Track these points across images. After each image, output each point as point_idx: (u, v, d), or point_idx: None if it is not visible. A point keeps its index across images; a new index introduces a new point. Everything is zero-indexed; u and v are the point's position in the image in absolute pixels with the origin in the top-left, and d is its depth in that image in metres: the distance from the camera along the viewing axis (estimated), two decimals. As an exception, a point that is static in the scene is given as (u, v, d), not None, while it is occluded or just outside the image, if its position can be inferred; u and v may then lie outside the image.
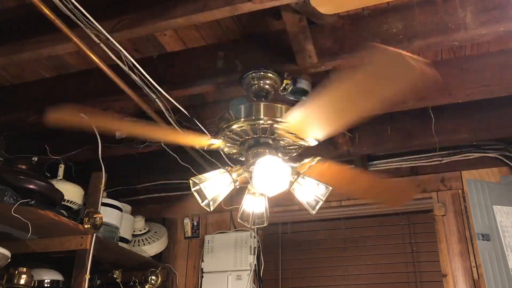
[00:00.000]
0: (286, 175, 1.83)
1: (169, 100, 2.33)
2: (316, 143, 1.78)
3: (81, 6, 1.78)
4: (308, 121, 1.62)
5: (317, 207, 1.99)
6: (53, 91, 2.57)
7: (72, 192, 2.74)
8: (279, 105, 1.91)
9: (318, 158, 1.92)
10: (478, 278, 2.76)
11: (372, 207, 3.14)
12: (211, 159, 2.91)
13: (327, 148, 2.86)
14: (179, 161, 2.93)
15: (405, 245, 2.99)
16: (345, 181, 2.05)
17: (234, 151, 2.03)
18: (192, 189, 1.85)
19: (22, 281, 2.18)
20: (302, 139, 1.77)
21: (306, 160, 1.94)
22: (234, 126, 1.91)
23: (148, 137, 1.82)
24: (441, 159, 3.09)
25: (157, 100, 2.33)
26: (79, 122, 1.55)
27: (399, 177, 3.18)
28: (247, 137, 1.96)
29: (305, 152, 2.08)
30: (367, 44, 1.14)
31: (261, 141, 1.96)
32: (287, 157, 2.06)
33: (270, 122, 1.87)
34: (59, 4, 1.75)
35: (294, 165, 1.95)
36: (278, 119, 1.84)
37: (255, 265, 3.16)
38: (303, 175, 1.98)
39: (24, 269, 2.22)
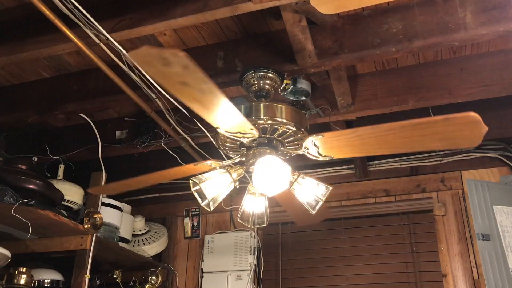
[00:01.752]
0: (286, 175, 1.83)
1: (169, 100, 2.33)
2: (328, 159, 1.79)
3: (81, 6, 1.78)
4: (342, 143, 1.62)
5: (317, 207, 1.98)
6: (53, 91, 2.57)
7: (72, 192, 2.74)
8: (279, 105, 1.90)
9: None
10: (478, 278, 2.76)
11: (372, 207, 3.14)
12: (211, 159, 2.91)
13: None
14: (179, 161, 2.93)
15: (405, 245, 2.99)
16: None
17: (233, 156, 2.04)
18: (192, 189, 1.85)
19: (22, 281, 2.19)
20: (320, 155, 1.77)
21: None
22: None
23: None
24: (441, 159, 3.09)
25: (157, 100, 2.33)
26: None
27: (399, 177, 3.18)
28: (247, 137, 1.96)
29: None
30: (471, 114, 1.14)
31: (261, 141, 1.96)
32: (287, 157, 2.06)
33: (270, 122, 1.87)
34: (59, 4, 1.75)
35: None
36: (254, 119, 1.84)
37: (255, 265, 3.16)
38: (303, 175, 1.98)
39: (24, 269, 2.22)
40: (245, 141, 1.80)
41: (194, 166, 1.88)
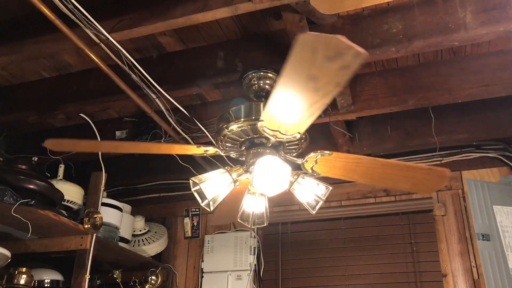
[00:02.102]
0: (286, 175, 1.83)
1: (169, 100, 2.33)
2: (299, 135, 1.73)
3: (81, 6, 1.78)
4: (280, 116, 1.59)
5: (317, 207, 1.98)
6: (53, 91, 2.57)
7: (72, 192, 2.74)
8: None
9: (323, 151, 1.88)
10: (478, 278, 2.76)
11: (372, 207, 3.14)
12: (211, 159, 2.91)
13: (327, 148, 2.85)
14: (179, 161, 2.93)
15: (405, 245, 2.99)
16: (361, 170, 1.93)
17: (232, 152, 2.03)
18: (192, 189, 1.85)
19: (22, 281, 2.19)
20: (286, 134, 1.72)
21: (311, 155, 1.90)
22: (234, 126, 1.91)
23: (141, 152, 1.80)
24: (441, 159, 3.09)
25: (157, 100, 2.33)
26: (75, 150, 1.55)
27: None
28: (247, 137, 1.96)
29: (305, 152, 2.08)
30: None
31: (261, 141, 1.96)
32: (289, 157, 2.05)
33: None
34: (59, 4, 1.75)
35: (299, 161, 1.93)
36: (254, 119, 1.83)
37: (255, 265, 3.16)
38: (303, 175, 1.98)
39: (24, 269, 2.22)
40: (274, 139, 1.77)
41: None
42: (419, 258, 2.93)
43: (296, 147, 2.00)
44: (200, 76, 2.29)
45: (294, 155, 2.08)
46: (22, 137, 3.09)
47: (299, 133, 1.64)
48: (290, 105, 1.40)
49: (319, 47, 1.11)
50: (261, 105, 1.90)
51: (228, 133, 1.93)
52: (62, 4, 1.75)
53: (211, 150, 1.90)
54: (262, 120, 1.60)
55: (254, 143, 1.97)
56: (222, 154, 1.98)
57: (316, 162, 1.90)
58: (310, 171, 1.94)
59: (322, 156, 1.86)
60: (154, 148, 1.73)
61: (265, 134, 1.66)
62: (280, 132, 1.65)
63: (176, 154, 2.89)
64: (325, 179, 2.03)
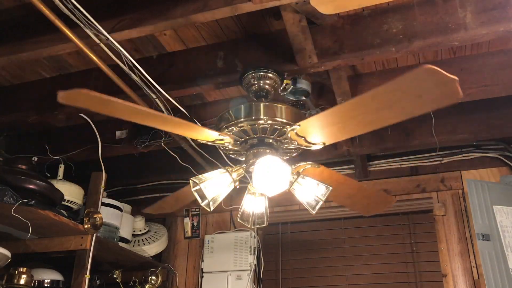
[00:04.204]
0: (286, 175, 1.83)
1: (169, 100, 2.33)
2: (321, 147, 1.79)
3: (81, 6, 1.78)
4: (321, 127, 1.63)
5: (317, 207, 1.98)
6: (53, 91, 2.56)
7: (72, 192, 2.74)
8: (279, 105, 1.90)
9: (311, 163, 1.94)
10: (478, 278, 2.76)
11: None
12: (211, 159, 2.91)
13: (328, 148, 2.85)
14: (179, 161, 2.93)
15: (405, 245, 2.99)
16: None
17: (236, 148, 2.03)
18: (192, 189, 1.85)
19: (22, 281, 2.19)
20: (310, 143, 1.77)
21: (300, 164, 1.95)
22: (234, 126, 1.91)
23: (156, 126, 1.76)
24: (441, 159, 3.09)
25: (157, 100, 2.33)
26: (89, 105, 1.50)
27: (399, 177, 3.18)
28: (247, 137, 1.96)
29: (306, 152, 2.08)
30: (421, 65, 1.14)
31: (261, 141, 1.96)
32: (287, 158, 2.06)
33: (270, 122, 1.87)
34: (59, 4, 1.75)
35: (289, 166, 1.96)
36: (286, 121, 1.85)
37: (255, 265, 3.16)
38: (303, 175, 1.98)
39: (24, 269, 2.22)
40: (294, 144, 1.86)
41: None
42: (419, 258, 2.93)
43: (295, 149, 2.01)
44: (200, 76, 2.29)
45: (293, 155, 2.08)
46: (22, 137, 3.09)
47: (324, 143, 1.68)
48: (342, 121, 1.46)
49: (430, 80, 1.18)
50: (261, 105, 1.90)
51: (228, 133, 1.93)
52: (62, 4, 1.75)
53: (226, 139, 1.90)
54: (298, 125, 1.68)
55: (254, 143, 1.97)
56: (230, 147, 1.99)
57: (302, 171, 1.97)
58: (312, 145, 1.92)
59: (311, 167, 1.91)
60: (175, 126, 1.70)
61: (288, 135, 1.70)
62: (305, 139, 1.70)
63: (176, 154, 2.89)
64: (325, 179, 2.03)
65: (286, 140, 1.92)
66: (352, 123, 1.55)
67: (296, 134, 1.75)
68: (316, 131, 1.68)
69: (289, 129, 1.75)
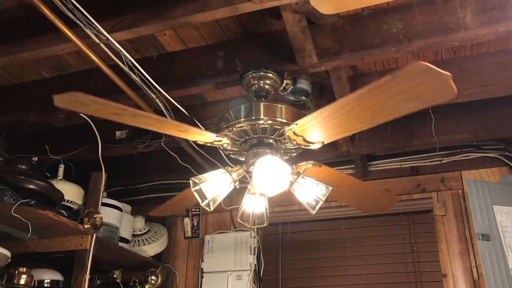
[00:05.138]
0: (286, 175, 1.83)
1: (169, 100, 2.33)
2: (320, 146, 1.78)
3: (81, 6, 1.78)
4: (318, 125, 1.63)
5: (317, 207, 1.98)
6: (53, 91, 2.56)
7: (72, 192, 2.74)
8: (279, 105, 1.90)
9: (312, 162, 1.94)
10: (478, 278, 2.76)
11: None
12: (211, 159, 2.91)
13: (328, 148, 2.86)
14: (179, 161, 2.93)
15: (405, 245, 2.99)
16: (332, 185, 2.08)
17: (235, 149, 2.03)
18: (192, 189, 1.85)
19: (22, 281, 2.19)
20: (309, 142, 1.77)
21: (301, 163, 1.95)
22: (234, 126, 1.91)
23: (154, 130, 1.78)
24: (441, 159, 3.09)
25: (157, 100, 2.33)
26: (85, 109, 1.51)
27: (399, 177, 3.18)
28: (247, 137, 1.96)
29: (306, 152, 2.08)
30: (415, 62, 1.15)
31: (261, 141, 1.96)
32: (287, 158, 2.06)
33: (270, 122, 1.87)
34: (59, 4, 1.75)
35: (290, 166, 1.96)
36: (285, 121, 1.85)
37: (255, 265, 3.16)
38: (303, 175, 1.98)
39: (24, 269, 2.22)
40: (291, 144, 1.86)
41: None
42: (419, 258, 2.93)
43: (296, 146, 2.00)
44: (200, 76, 2.29)
45: (293, 155, 2.08)
46: (22, 137, 3.09)
47: (323, 142, 1.68)
48: (338, 117, 1.45)
49: (424, 77, 1.17)
50: (261, 105, 1.90)
51: (228, 133, 1.94)
52: (62, 4, 1.75)
53: (224, 140, 1.90)
54: (295, 124, 1.64)
55: (254, 143, 1.97)
56: (229, 148, 1.99)
57: (303, 171, 1.96)
58: (311, 144, 1.92)
59: (313, 166, 1.91)
60: (173, 129, 1.70)
61: (286, 135, 1.70)
62: (303, 139, 1.69)
63: (176, 154, 2.89)
64: (325, 179, 2.03)
65: (286, 140, 1.92)
66: (349, 119, 1.54)
67: (294, 133, 1.74)
68: (314, 129, 1.68)
69: (287, 129, 1.75)
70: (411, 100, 1.33)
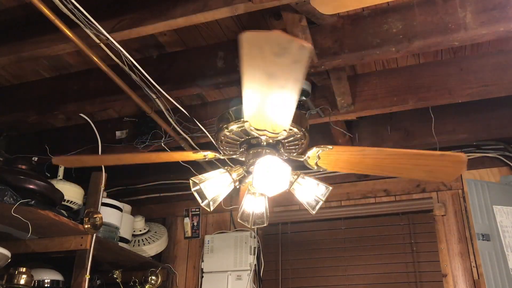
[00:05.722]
0: (286, 175, 1.82)
1: (169, 100, 2.33)
2: (286, 133, 1.73)
3: (81, 6, 1.78)
4: (258, 112, 1.59)
5: (317, 207, 1.98)
6: (53, 91, 2.57)
7: (72, 192, 2.74)
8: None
9: (322, 145, 1.86)
10: (478, 278, 2.76)
11: (372, 207, 3.14)
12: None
13: (327, 148, 2.86)
14: (179, 161, 2.93)
15: (405, 245, 2.99)
16: (369, 162, 1.84)
17: (231, 153, 2.03)
18: (192, 189, 1.85)
19: (22, 281, 2.19)
20: (275, 133, 1.72)
21: (312, 150, 1.88)
22: (234, 126, 1.90)
23: (142, 162, 1.82)
24: (441, 159, 3.08)
25: (157, 100, 2.34)
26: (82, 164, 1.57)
27: (399, 177, 3.18)
28: (247, 137, 1.96)
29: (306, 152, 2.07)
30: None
31: (260, 141, 1.95)
32: (288, 157, 2.05)
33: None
34: (59, 4, 1.75)
35: (301, 159, 1.92)
36: (237, 122, 1.81)
37: (255, 265, 3.16)
38: (303, 175, 1.98)
39: (24, 269, 2.22)
40: (263, 139, 1.79)
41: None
42: (419, 258, 2.93)
43: (296, 146, 2.00)
44: (200, 76, 2.29)
45: (294, 154, 2.08)
46: (22, 137, 3.08)
47: (285, 130, 1.65)
48: (264, 104, 1.40)
49: (264, 44, 1.09)
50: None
51: (228, 133, 1.93)
52: (62, 4, 1.75)
53: (210, 154, 1.89)
54: (246, 121, 1.61)
55: (254, 143, 1.97)
56: (222, 157, 1.98)
57: (319, 157, 1.86)
58: (315, 167, 1.89)
59: (324, 151, 1.83)
60: (154, 157, 1.73)
61: (254, 134, 1.67)
62: (268, 131, 1.65)
63: (176, 154, 2.88)
64: (325, 179, 2.03)
65: (286, 141, 1.92)
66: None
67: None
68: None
69: (246, 128, 1.67)
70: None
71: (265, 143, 1.94)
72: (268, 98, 1.33)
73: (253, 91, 1.30)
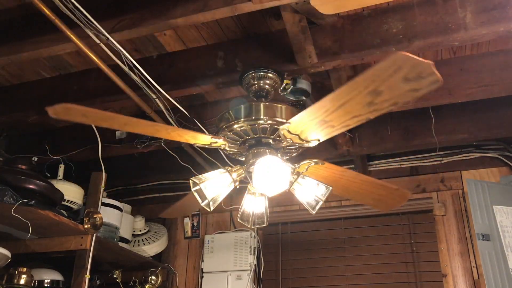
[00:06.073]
0: (286, 175, 1.83)
1: (169, 100, 2.33)
2: (317, 143, 1.78)
3: (81, 6, 1.78)
4: (312, 122, 1.62)
5: (317, 207, 1.98)
6: (53, 91, 2.57)
7: (72, 192, 2.74)
8: (279, 105, 1.90)
9: (316, 160, 1.93)
10: (478, 278, 2.76)
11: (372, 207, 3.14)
12: (211, 159, 2.91)
13: (328, 148, 2.86)
14: (179, 161, 2.93)
15: (405, 245, 2.99)
16: (342, 183, 2.06)
17: (235, 150, 2.03)
18: (192, 189, 1.85)
19: (22, 281, 2.19)
20: (304, 140, 1.76)
21: (304, 162, 1.94)
22: (234, 126, 1.91)
23: (149, 134, 1.81)
24: (441, 159, 3.09)
25: (157, 100, 2.33)
26: (80, 119, 1.54)
27: (399, 177, 3.18)
28: (247, 137, 1.96)
29: (306, 152, 2.08)
30: (392, 51, 1.17)
31: (261, 141, 1.96)
32: (287, 158, 2.06)
33: (270, 122, 1.87)
34: (59, 4, 1.75)
35: (293, 166, 1.95)
36: (281, 120, 1.84)
37: (255, 265, 3.16)
38: (303, 175, 1.98)
39: (24, 269, 2.22)
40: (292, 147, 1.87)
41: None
42: (419, 258, 2.93)
43: (295, 149, 2.00)
44: (200, 76, 2.29)
45: (293, 155, 2.08)
46: (22, 137, 3.09)
47: (318, 140, 1.68)
48: (330, 113, 1.46)
49: (405, 67, 1.15)
50: (261, 105, 1.90)
51: (229, 133, 1.94)
52: (62, 4, 1.75)
53: (220, 142, 1.89)
54: (289, 122, 1.65)
55: (254, 143, 1.97)
56: (227, 148, 1.98)
57: (306, 169, 1.95)
58: (301, 174, 1.98)
59: (316, 164, 1.91)
60: (163, 131, 1.70)
61: (281, 134, 1.69)
62: (299, 137, 1.69)
63: (176, 154, 2.88)
64: (325, 179, 2.03)
65: (286, 140, 1.92)
66: (337, 116, 1.54)
67: (289, 131, 1.73)
68: (308, 127, 1.68)
69: (280, 128, 1.74)
70: (397, 91, 1.34)
71: (265, 143, 1.95)
72: (340, 110, 1.43)
73: (337, 99, 1.38)
